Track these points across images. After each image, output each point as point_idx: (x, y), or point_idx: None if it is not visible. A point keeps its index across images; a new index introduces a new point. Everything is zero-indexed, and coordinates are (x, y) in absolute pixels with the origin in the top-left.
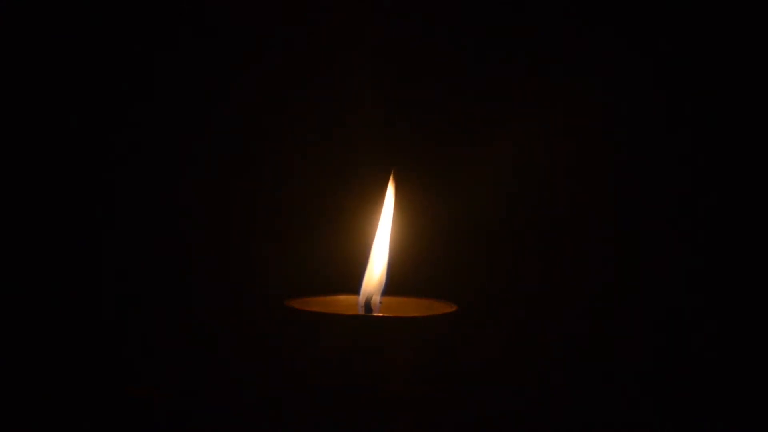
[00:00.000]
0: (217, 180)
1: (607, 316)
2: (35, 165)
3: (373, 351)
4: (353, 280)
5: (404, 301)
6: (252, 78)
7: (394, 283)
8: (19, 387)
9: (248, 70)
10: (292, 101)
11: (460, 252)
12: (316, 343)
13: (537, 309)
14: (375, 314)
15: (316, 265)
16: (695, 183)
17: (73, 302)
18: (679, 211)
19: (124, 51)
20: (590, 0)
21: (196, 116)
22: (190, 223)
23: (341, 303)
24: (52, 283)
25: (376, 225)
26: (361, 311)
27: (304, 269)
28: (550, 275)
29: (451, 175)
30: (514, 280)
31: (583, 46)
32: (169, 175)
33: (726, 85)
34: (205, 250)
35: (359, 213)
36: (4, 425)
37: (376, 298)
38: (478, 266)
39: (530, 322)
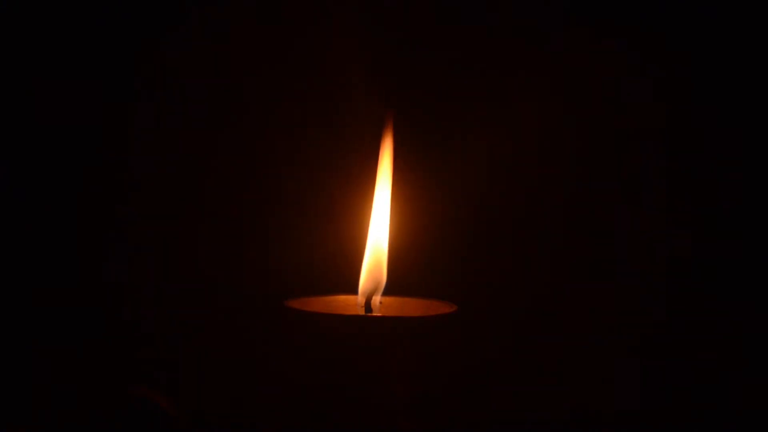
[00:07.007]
0: (216, 180)
1: (607, 316)
2: (36, 163)
3: (373, 351)
4: (353, 280)
5: (404, 301)
6: (250, 76)
7: (394, 283)
8: (19, 387)
9: (242, 64)
10: (289, 98)
11: (460, 252)
12: (316, 343)
13: (537, 309)
14: (375, 314)
15: (316, 265)
16: (694, 181)
17: (73, 302)
18: (678, 211)
19: (119, 48)
20: None
21: (195, 115)
22: (190, 223)
23: (341, 303)
24: (51, 283)
25: (374, 222)
26: (361, 311)
27: (304, 269)
28: (550, 275)
29: (451, 174)
30: (514, 280)
31: (583, 37)
32: (167, 176)
33: (719, 83)
34: (204, 250)
35: (360, 213)
36: (5, 425)
37: (376, 298)
38: (478, 266)
39: (530, 321)
